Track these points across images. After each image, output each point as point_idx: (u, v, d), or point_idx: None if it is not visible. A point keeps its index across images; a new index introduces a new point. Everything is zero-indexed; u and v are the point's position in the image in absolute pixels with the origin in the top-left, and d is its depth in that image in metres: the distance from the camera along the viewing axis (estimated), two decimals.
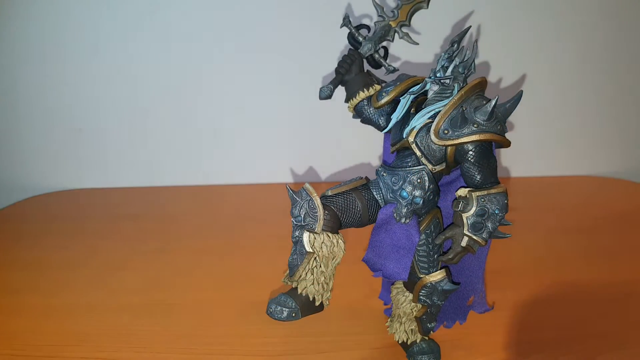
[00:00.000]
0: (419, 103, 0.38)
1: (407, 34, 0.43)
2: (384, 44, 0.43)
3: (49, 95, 0.74)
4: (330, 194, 0.39)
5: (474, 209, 0.35)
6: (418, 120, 0.37)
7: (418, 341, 0.42)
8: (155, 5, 0.65)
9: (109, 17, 0.66)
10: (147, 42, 0.68)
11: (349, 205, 0.39)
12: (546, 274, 0.56)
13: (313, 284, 0.39)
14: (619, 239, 0.64)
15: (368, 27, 0.43)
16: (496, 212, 0.35)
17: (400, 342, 0.43)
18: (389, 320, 0.44)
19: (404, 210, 0.38)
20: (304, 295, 0.39)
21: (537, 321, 0.49)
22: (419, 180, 0.37)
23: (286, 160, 0.77)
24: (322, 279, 0.39)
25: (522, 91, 0.37)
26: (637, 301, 0.52)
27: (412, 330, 0.42)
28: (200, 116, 0.74)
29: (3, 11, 0.65)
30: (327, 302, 0.40)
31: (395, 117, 0.39)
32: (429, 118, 0.37)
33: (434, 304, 0.40)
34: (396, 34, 0.42)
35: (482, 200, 0.35)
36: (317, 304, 0.39)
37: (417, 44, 0.43)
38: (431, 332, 0.43)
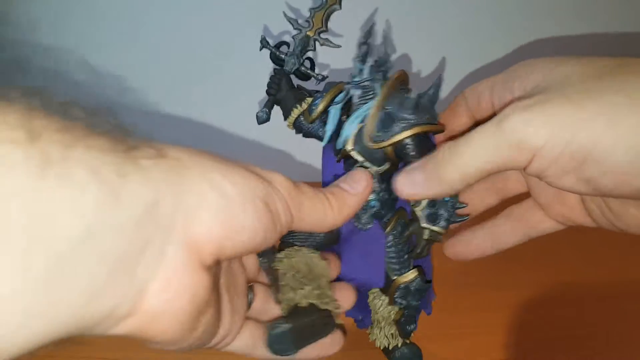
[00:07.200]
0: (350, 108, 0.38)
1: (327, 40, 0.42)
2: (309, 54, 0.42)
3: None
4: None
5: (424, 201, 0.35)
6: (349, 129, 0.36)
7: (400, 345, 0.42)
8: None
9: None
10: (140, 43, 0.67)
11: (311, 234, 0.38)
12: (546, 274, 0.55)
13: None
14: (620, 237, 0.61)
15: (287, 44, 0.42)
16: (445, 199, 0.35)
17: (382, 347, 0.43)
18: (369, 328, 0.44)
19: (363, 217, 0.38)
20: None
21: (537, 321, 0.50)
22: None
23: (285, 160, 0.75)
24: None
25: (441, 75, 0.36)
26: (638, 301, 0.51)
27: (392, 334, 0.42)
28: (198, 115, 0.72)
29: None
30: None
31: (329, 130, 0.39)
32: (359, 123, 0.36)
33: (410, 305, 0.40)
34: (317, 42, 0.42)
35: None
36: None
37: (340, 46, 0.42)
38: (411, 334, 0.42)
